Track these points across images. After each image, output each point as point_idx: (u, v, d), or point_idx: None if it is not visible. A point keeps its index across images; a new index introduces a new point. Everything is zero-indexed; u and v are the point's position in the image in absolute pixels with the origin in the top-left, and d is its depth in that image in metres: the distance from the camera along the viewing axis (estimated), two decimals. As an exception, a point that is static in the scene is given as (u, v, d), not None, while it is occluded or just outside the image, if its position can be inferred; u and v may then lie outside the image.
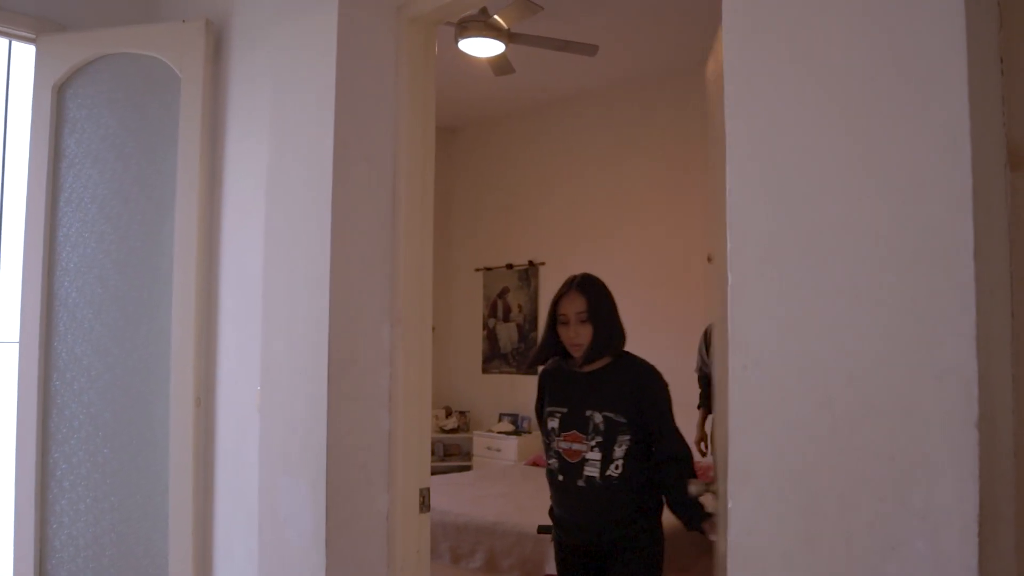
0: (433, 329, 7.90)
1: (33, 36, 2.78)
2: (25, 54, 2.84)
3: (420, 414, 2.16)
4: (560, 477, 2.49)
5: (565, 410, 2.49)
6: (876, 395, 1.06)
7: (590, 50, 4.83)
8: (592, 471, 2.41)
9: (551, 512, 2.64)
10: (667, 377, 2.51)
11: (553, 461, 2.52)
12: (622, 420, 2.40)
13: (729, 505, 1.19)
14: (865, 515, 1.06)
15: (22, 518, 2.76)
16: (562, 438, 2.48)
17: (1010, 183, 1.13)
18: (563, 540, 2.59)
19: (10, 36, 2.81)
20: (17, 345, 2.81)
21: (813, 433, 1.11)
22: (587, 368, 2.51)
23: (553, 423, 2.51)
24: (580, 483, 2.43)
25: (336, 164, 2.06)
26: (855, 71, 1.09)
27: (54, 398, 2.74)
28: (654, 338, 4.71)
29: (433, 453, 7.39)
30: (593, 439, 2.41)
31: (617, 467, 2.39)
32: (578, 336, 2.46)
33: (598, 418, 2.42)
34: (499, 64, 5.09)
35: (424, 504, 2.15)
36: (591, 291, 2.49)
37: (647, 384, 2.46)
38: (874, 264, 1.07)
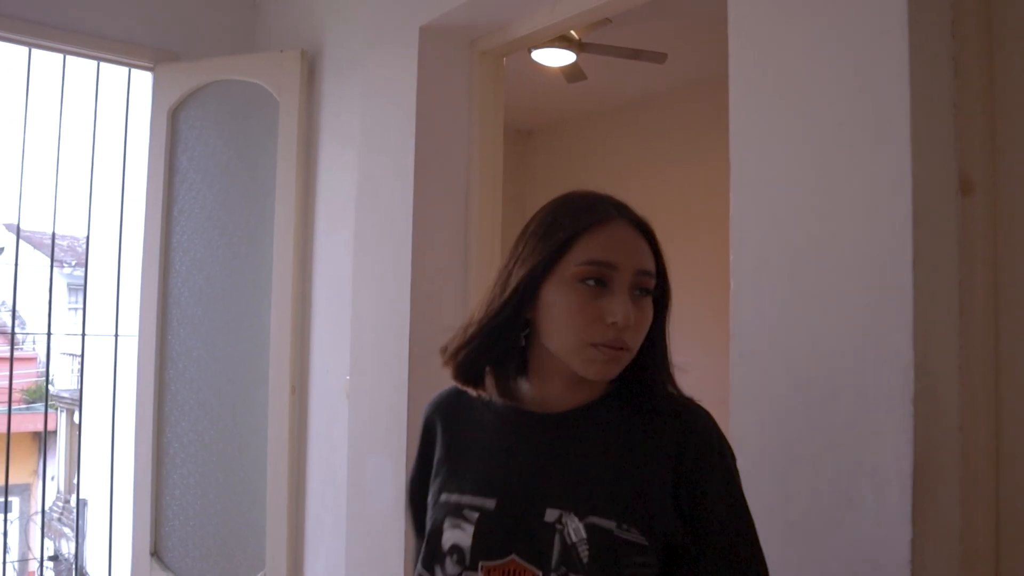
0: (507, 328, 8.26)
1: (151, 65, 3.25)
2: (142, 81, 3.30)
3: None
4: None
5: (491, 504, 1.09)
6: (839, 378, 1.37)
7: (659, 58, 5.13)
8: None
9: None
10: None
11: None
12: (636, 539, 1.02)
13: (730, 469, 1.51)
14: (829, 475, 1.37)
15: (140, 490, 3.23)
16: (481, 572, 1.05)
17: (960, 207, 1.42)
18: None
19: (131, 66, 3.29)
20: (137, 338, 3.28)
21: (791, 409, 1.42)
22: (554, 406, 1.14)
23: (454, 532, 1.09)
24: None
25: (416, 181, 2.44)
26: (829, 122, 1.40)
27: (168, 385, 3.20)
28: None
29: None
30: None
31: None
32: (633, 327, 1.07)
33: (574, 528, 1.03)
34: (571, 72, 5.42)
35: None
36: (654, 237, 1.17)
37: (701, 451, 1.09)
38: (838, 273, 1.38)
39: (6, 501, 4.70)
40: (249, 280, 3.13)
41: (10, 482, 4.29)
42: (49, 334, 3.53)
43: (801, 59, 1.46)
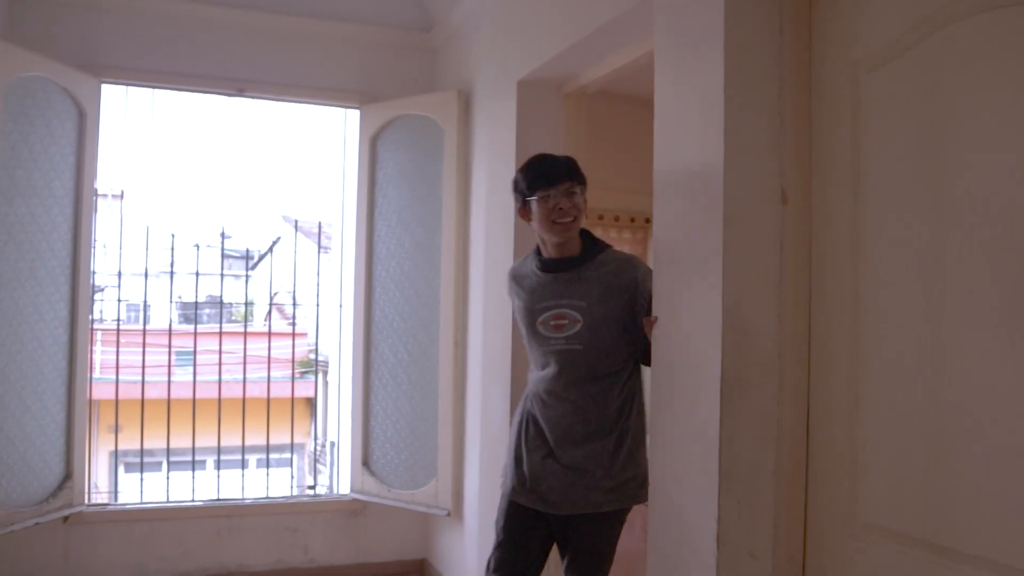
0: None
1: (358, 106, 4.53)
2: (351, 118, 4.60)
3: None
4: None
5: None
6: (695, 321, 2.25)
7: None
8: None
9: None
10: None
11: None
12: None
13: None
14: (691, 382, 2.26)
15: (356, 420, 4.55)
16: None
17: (780, 211, 2.24)
18: None
19: (345, 106, 4.59)
20: (352, 308, 4.60)
21: (676, 339, 2.33)
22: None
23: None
24: None
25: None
26: (691, 162, 2.29)
27: (372, 341, 4.48)
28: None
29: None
30: None
31: None
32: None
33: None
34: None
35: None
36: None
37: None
38: (696, 255, 2.26)
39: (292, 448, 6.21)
40: (426, 263, 4.33)
41: (288, 442, 5.69)
42: (341, 306, 4.83)
43: (688, 115, 2.36)
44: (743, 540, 2.19)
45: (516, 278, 2.76)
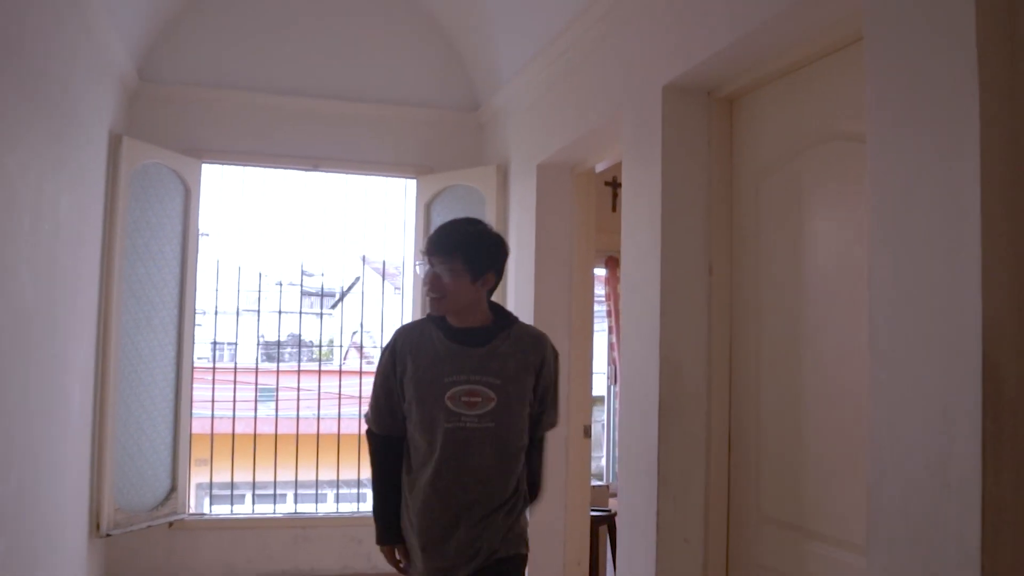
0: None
1: (415, 177, 5.52)
2: (410, 186, 5.60)
3: (582, 386, 4.39)
4: None
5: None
6: (645, 359, 3.12)
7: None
8: None
9: None
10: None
11: None
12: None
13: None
14: (641, 405, 3.12)
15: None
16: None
17: (708, 281, 3.09)
18: None
19: (405, 177, 5.59)
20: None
21: (639, 381, 3.19)
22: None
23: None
24: None
25: (537, 258, 4.39)
26: (649, 243, 3.18)
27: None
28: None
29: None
30: None
31: None
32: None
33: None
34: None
35: (586, 433, 4.37)
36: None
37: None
38: (646, 314, 3.13)
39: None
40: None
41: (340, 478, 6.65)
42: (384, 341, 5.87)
43: (640, 208, 3.24)
44: (678, 528, 3.03)
45: (410, 346, 2.55)
